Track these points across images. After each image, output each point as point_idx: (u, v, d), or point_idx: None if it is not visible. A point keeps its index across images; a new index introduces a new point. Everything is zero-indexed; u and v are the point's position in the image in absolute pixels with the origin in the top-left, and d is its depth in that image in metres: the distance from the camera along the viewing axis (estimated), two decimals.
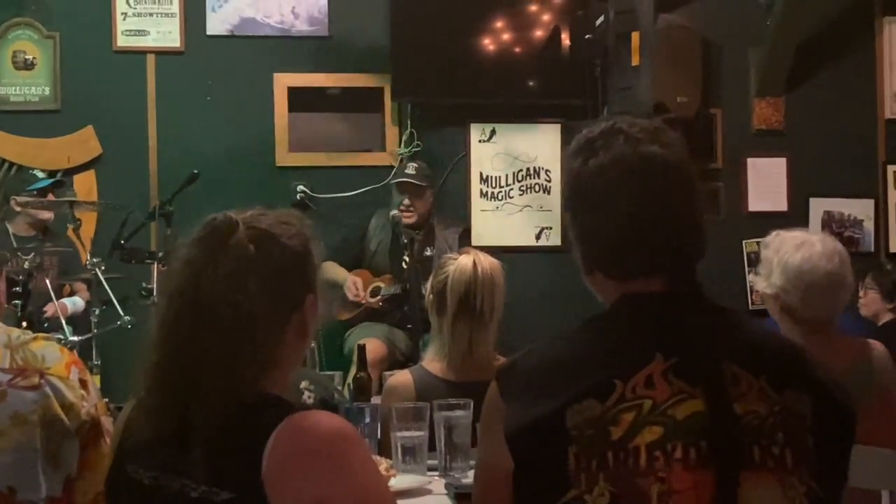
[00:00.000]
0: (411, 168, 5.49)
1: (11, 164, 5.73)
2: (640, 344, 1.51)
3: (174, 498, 1.54)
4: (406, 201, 5.37)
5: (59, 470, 2.10)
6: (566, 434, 1.46)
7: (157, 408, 1.58)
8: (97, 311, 4.76)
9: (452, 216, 5.82)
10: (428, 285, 3.09)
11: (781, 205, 6.29)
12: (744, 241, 6.24)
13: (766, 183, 6.30)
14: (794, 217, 6.00)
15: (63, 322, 4.70)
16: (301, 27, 6.00)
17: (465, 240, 5.56)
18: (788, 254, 2.79)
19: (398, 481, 2.40)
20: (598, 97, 5.68)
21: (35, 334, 2.23)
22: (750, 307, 6.18)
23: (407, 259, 4.91)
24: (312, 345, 3.75)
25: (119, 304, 4.66)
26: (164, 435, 1.56)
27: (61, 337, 4.51)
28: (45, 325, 4.87)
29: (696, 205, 1.60)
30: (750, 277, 6.22)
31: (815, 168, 6.26)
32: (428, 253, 4.89)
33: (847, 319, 3.87)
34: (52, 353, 2.17)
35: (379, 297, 5.31)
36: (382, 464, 2.43)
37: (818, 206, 6.31)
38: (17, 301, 4.48)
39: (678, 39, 5.69)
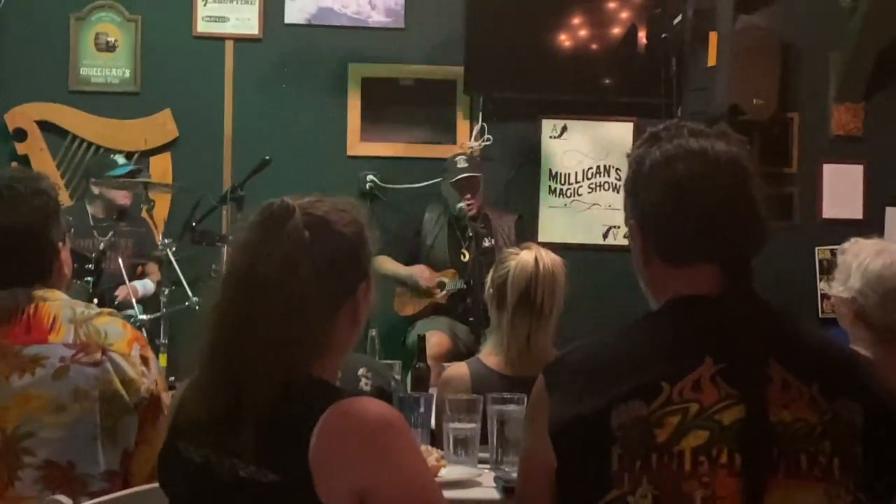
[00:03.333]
0: (462, 162, 5.43)
1: (93, 147, 5.85)
2: (690, 346, 1.51)
3: (223, 476, 1.57)
4: (467, 195, 5.35)
5: (117, 445, 2.15)
6: (610, 434, 1.46)
7: (210, 387, 1.60)
8: (166, 291, 4.84)
9: (498, 202, 5.77)
10: (488, 279, 3.10)
11: (857, 212, 6.17)
12: (817, 248, 6.13)
13: (842, 190, 6.18)
14: (870, 225, 5.89)
15: (133, 301, 4.80)
16: (377, 18, 6.04)
17: (520, 226, 5.55)
18: (869, 259, 2.78)
19: (448, 472, 2.41)
20: (672, 96, 5.63)
21: (100, 309, 2.27)
22: (820, 315, 6.08)
23: (466, 252, 4.89)
24: (372, 332, 3.78)
25: (188, 285, 4.73)
26: (216, 414, 1.58)
27: (132, 314, 4.60)
28: (116, 301, 4.96)
29: (757, 197, 1.60)
30: (821, 285, 6.12)
31: (893, 176, 6.12)
32: (487, 244, 4.89)
33: None
34: (115, 330, 2.22)
35: (445, 292, 5.32)
36: (433, 454, 2.44)
37: (894, 215, 6.17)
38: (88, 278, 4.57)
39: (757, 41, 5.60)
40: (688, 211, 1.57)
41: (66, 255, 2.32)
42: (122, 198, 5.39)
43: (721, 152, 1.59)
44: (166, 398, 2.23)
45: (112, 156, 5.63)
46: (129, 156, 5.77)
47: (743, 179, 1.59)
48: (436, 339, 4.98)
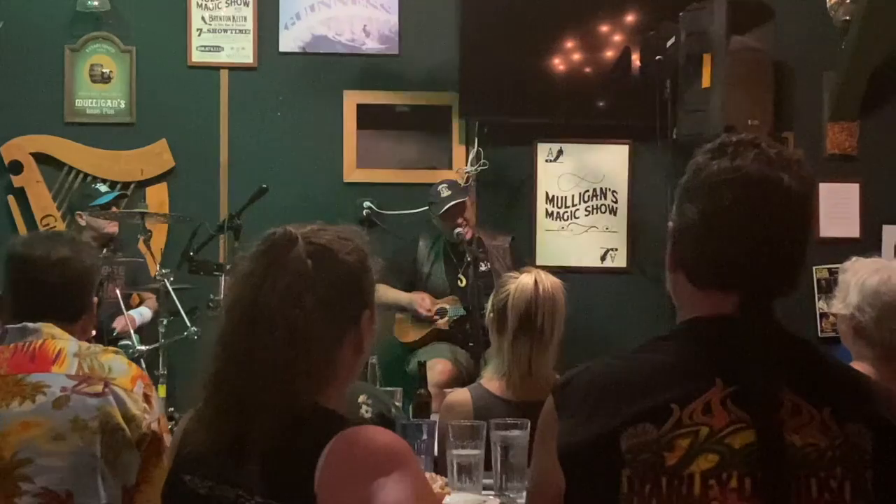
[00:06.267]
0: (445, 190, 5.39)
1: (89, 178, 5.83)
2: (701, 369, 1.49)
3: None
4: (459, 220, 5.33)
5: (118, 478, 2.14)
6: (620, 456, 1.45)
7: (214, 419, 1.59)
8: (164, 322, 4.82)
9: (495, 227, 5.75)
10: (489, 304, 3.09)
11: (854, 231, 6.18)
12: (814, 268, 6.13)
13: (839, 209, 6.19)
14: (867, 244, 5.90)
15: (131, 331, 4.78)
16: (372, 45, 6.06)
17: (515, 247, 5.54)
18: (866, 275, 2.80)
19: (452, 499, 2.39)
20: (667, 118, 5.64)
21: (105, 347, 2.30)
22: (819, 334, 6.08)
23: (463, 278, 4.88)
24: (372, 360, 3.77)
25: (186, 315, 4.73)
26: (221, 446, 1.57)
27: (129, 343, 4.58)
28: (114, 333, 4.95)
29: (803, 244, 1.54)
30: (820, 304, 6.11)
31: (889, 194, 6.13)
32: (483, 268, 4.87)
33: None
34: (120, 366, 2.23)
35: (446, 319, 5.31)
36: (438, 481, 2.43)
37: (891, 234, 6.18)
38: None
39: (750, 61, 5.61)
40: (724, 239, 1.52)
41: (92, 316, 2.35)
42: (109, 226, 5.38)
43: (781, 186, 1.50)
44: (168, 439, 2.22)
45: (94, 185, 5.63)
46: (112, 184, 5.77)
47: (793, 218, 1.53)
48: (440, 366, 4.96)
